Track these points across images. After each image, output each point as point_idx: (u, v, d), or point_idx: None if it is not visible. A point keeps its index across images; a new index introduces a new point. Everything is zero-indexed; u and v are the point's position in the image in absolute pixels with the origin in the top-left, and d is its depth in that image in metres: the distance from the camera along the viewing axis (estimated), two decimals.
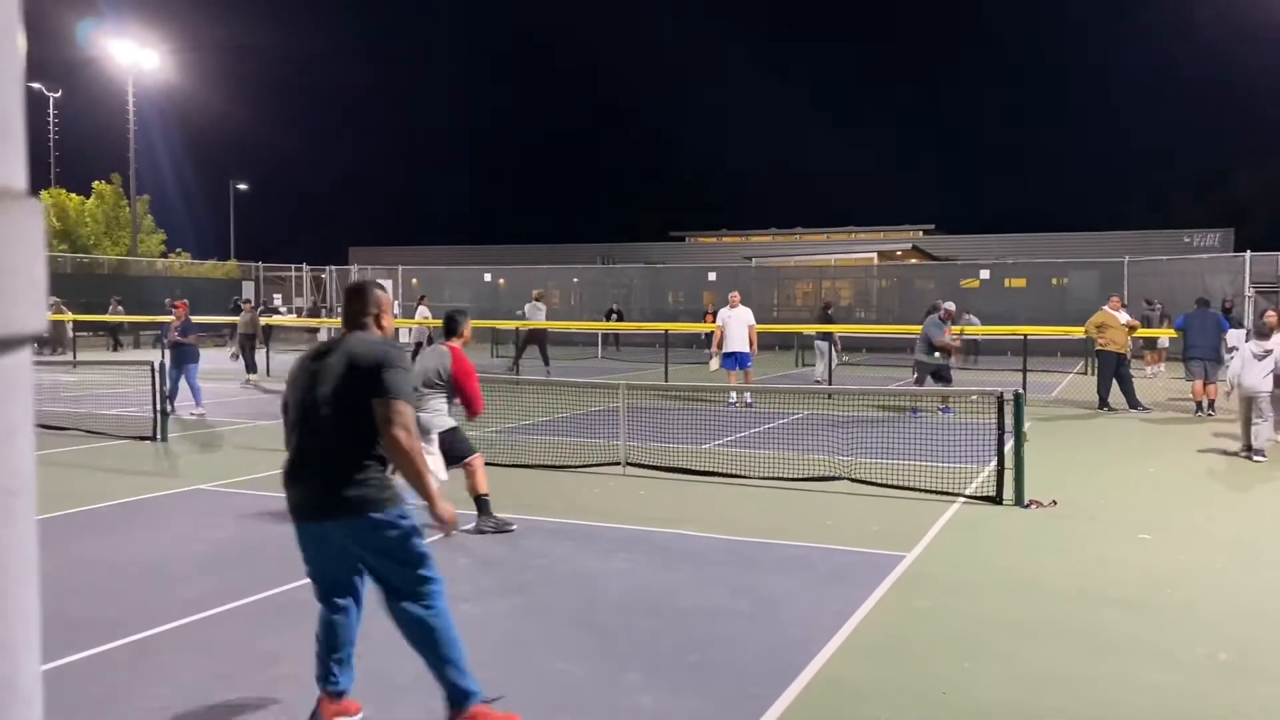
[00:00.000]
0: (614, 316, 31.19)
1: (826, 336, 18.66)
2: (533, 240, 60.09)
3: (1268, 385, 10.54)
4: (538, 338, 21.98)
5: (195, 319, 15.60)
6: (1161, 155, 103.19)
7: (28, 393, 0.48)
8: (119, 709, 4.24)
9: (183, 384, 14.25)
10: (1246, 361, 10.73)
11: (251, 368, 19.94)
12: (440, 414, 7.40)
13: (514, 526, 7.44)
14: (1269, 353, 10.56)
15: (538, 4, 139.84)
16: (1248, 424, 10.70)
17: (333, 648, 4.05)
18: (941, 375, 14.42)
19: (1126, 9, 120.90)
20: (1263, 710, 4.28)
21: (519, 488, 8.93)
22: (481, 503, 7.46)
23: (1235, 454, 10.81)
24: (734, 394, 14.97)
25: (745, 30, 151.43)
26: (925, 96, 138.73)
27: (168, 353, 14.78)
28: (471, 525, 7.35)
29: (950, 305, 15.23)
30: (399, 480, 4.00)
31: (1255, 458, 10.54)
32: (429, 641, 3.92)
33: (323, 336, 32.17)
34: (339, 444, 3.82)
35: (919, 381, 14.55)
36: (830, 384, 17.05)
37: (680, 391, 15.79)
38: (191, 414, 13.98)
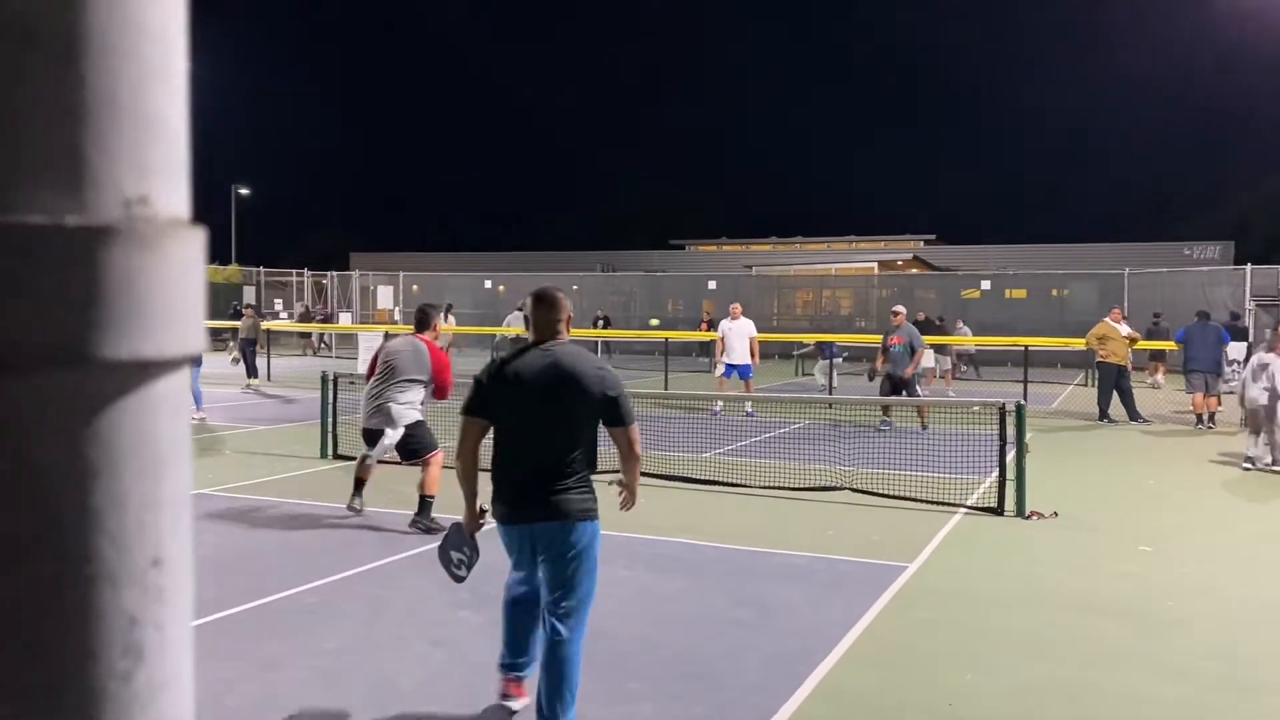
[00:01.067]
0: (600, 324, 31.05)
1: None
2: (534, 247, 60.18)
3: (1264, 399, 10.59)
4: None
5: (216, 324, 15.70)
6: (1162, 167, 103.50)
7: (189, 407, 0.52)
8: None
9: None
10: (1251, 373, 10.82)
11: (253, 372, 19.94)
12: (412, 406, 7.72)
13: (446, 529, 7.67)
14: (1265, 366, 10.64)
15: (539, 11, 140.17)
16: (1255, 434, 10.79)
17: (527, 634, 4.22)
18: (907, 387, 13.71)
19: (1129, 23, 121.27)
20: None
21: None
22: (424, 502, 7.67)
23: (1241, 466, 10.85)
24: (719, 402, 14.94)
25: (746, 37, 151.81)
26: (927, 107, 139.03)
27: None
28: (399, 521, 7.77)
29: (898, 307, 14.46)
30: None
31: (1244, 466, 10.68)
32: (570, 655, 3.96)
33: (314, 341, 32.23)
34: (562, 455, 3.98)
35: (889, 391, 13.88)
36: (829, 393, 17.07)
37: (680, 399, 15.81)
38: (192, 418, 14.01)
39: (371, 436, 7.76)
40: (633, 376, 22.62)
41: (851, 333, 30.27)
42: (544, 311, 4.11)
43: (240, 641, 5.11)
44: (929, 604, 5.87)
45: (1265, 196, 64.44)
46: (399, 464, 8.16)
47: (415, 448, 7.68)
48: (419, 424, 7.72)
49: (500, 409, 4.04)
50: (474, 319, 34.00)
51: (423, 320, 7.93)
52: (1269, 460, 10.72)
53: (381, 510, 8.25)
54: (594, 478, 4.15)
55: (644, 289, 36.66)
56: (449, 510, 8.20)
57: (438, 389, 7.78)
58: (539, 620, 4.11)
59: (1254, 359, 10.99)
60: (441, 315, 8.11)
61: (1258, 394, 10.63)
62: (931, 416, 13.28)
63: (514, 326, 23.44)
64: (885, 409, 13.72)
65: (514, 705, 4.21)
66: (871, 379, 15.41)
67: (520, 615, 4.22)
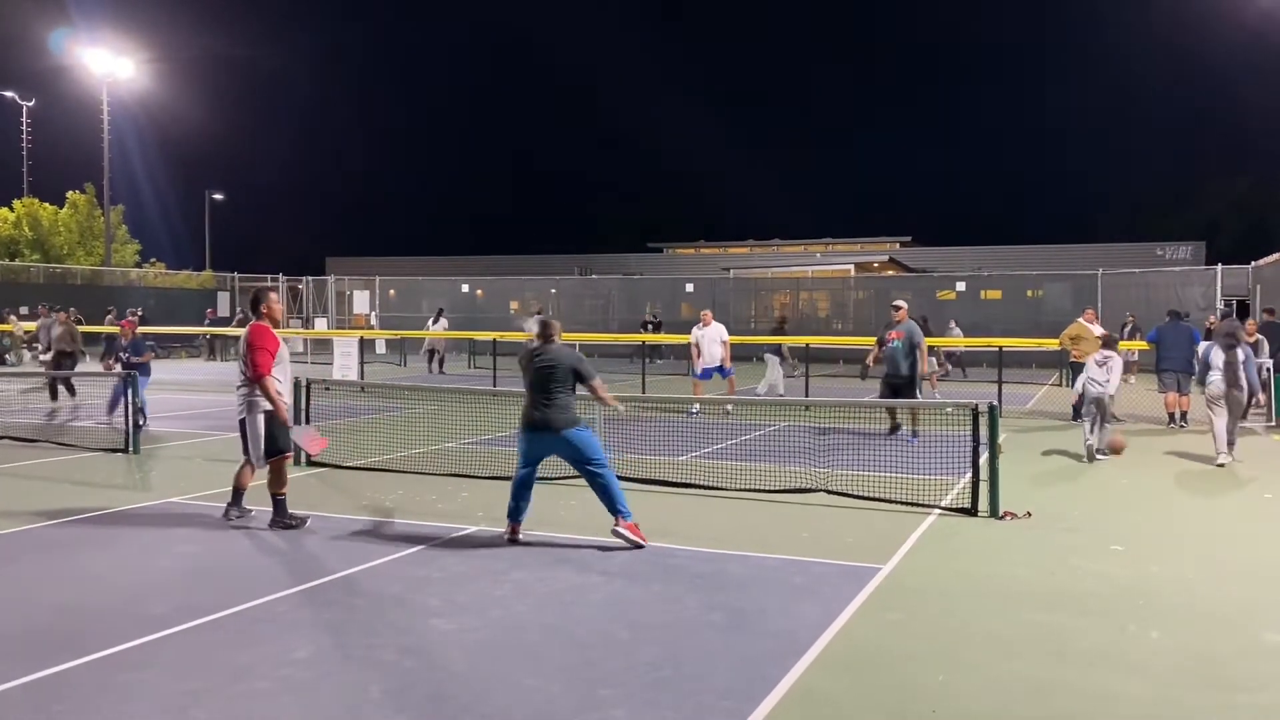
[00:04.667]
0: (651, 328, 30.48)
1: (776, 350, 18.58)
2: (511, 251, 60.03)
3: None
4: None
5: (169, 330, 15.47)
6: (1135, 170, 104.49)
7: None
8: None
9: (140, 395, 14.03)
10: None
11: (59, 392, 16.38)
12: (258, 396, 7.74)
13: (309, 522, 7.80)
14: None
15: (518, 16, 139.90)
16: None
17: (525, 495, 7.38)
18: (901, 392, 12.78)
19: (1102, 29, 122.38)
20: None
21: (494, 500, 8.88)
22: (278, 502, 7.80)
23: (1212, 462, 11.00)
24: (696, 404, 15.11)
25: (725, 41, 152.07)
26: (903, 109, 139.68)
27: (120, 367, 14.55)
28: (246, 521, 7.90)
29: (899, 301, 13.56)
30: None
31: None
32: (607, 483, 7.26)
33: (299, 346, 31.99)
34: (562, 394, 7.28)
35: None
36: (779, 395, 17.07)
37: (657, 402, 15.78)
38: (99, 422, 13.75)
39: (240, 429, 7.87)
40: (609, 379, 22.58)
41: (829, 334, 30.38)
42: (546, 330, 7.51)
43: (209, 652, 5.04)
44: (903, 605, 5.86)
45: (1236, 197, 65.16)
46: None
47: (269, 448, 7.76)
48: (270, 416, 7.75)
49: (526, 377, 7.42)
50: (451, 324, 33.82)
51: (254, 303, 8.02)
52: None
53: (352, 518, 8.18)
54: None
55: (622, 292, 36.61)
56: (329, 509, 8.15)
57: (249, 363, 7.64)
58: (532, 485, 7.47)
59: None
60: (273, 297, 8.17)
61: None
62: (905, 418, 13.28)
63: (530, 331, 24.28)
64: (894, 417, 12.89)
65: (520, 538, 7.34)
66: (864, 377, 14.62)
67: (530, 483, 7.44)
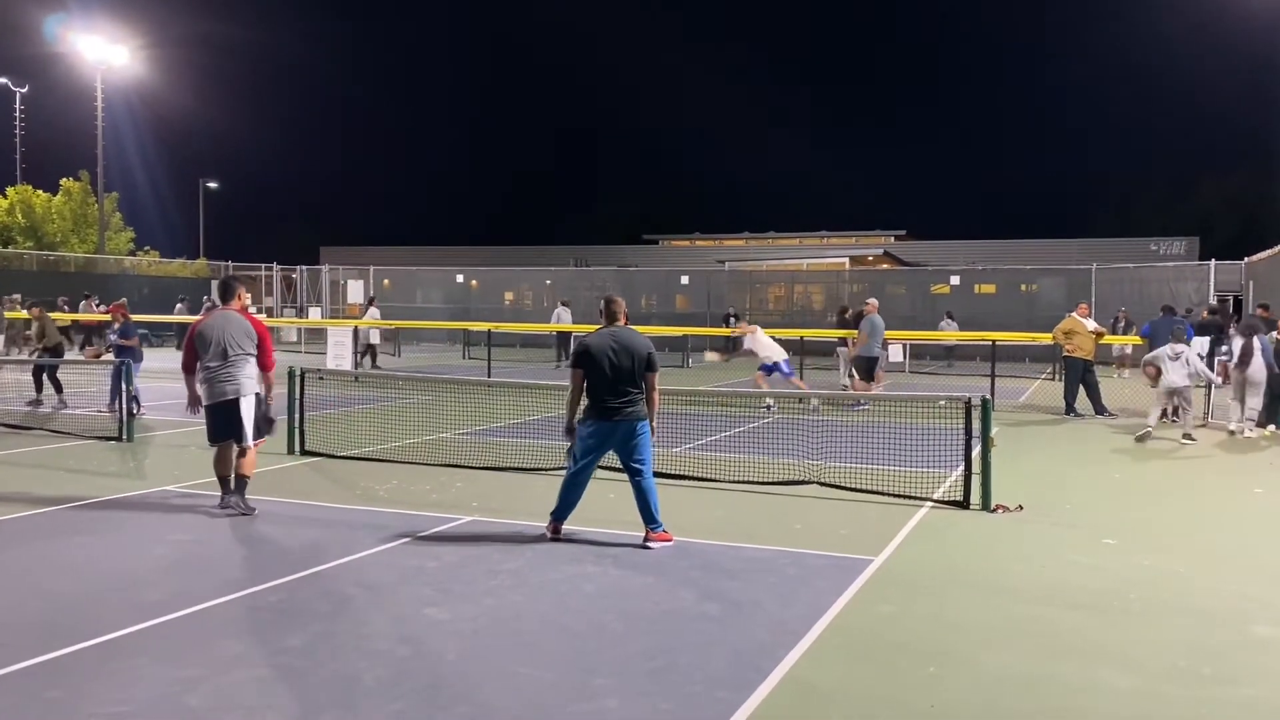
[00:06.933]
0: (734, 321, 30.46)
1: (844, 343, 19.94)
2: (505, 242, 59.97)
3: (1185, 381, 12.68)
4: (564, 338, 25.26)
5: (161, 318, 15.39)
6: (1129, 165, 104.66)
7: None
8: (79, 713, 4.18)
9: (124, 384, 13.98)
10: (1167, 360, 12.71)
11: (43, 387, 15.19)
12: (253, 379, 7.84)
13: (255, 510, 7.84)
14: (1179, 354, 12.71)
15: (517, 8, 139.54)
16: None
17: (576, 498, 7.15)
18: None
19: (1096, 22, 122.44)
20: (1224, 714, 4.34)
21: (488, 490, 8.90)
22: (241, 482, 7.89)
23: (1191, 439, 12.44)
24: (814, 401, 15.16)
25: (722, 36, 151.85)
26: (899, 103, 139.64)
27: (110, 353, 14.47)
28: (218, 501, 7.94)
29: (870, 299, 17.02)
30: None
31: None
32: (647, 489, 7.03)
33: (293, 336, 31.92)
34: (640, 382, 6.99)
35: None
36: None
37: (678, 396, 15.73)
38: (99, 410, 13.76)
39: (226, 412, 7.77)
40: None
41: (824, 327, 30.39)
42: (614, 308, 7.13)
43: (202, 640, 5.05)
44: (895, 597, 5.89)
45: (1230, 193, 65.30)
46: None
47: (210, 435, 7.86)
48: (257, 402, 7.86)
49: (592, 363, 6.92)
50: (445, 314, 33.82)
51: (226, 292, 8.12)
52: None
53: (346, 507, 8.19)
54: None
55: (617, 283, 36.59)
56: (302, 495, 8.15)
57: (264, 358, 7.90)
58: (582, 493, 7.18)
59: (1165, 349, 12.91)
60: (242, 287, 8.31)
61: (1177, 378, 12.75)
62: (900, 410, 13.34)
63: (563, 323, 25.47)
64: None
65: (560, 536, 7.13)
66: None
67: (583, 486, 7.17)
